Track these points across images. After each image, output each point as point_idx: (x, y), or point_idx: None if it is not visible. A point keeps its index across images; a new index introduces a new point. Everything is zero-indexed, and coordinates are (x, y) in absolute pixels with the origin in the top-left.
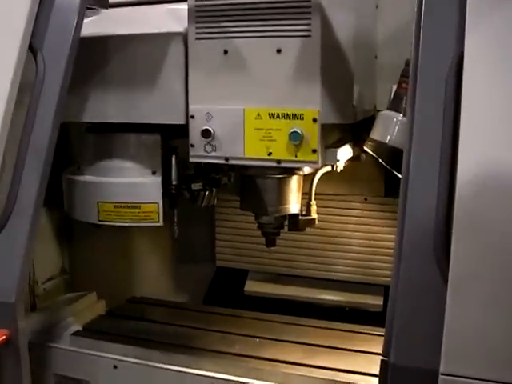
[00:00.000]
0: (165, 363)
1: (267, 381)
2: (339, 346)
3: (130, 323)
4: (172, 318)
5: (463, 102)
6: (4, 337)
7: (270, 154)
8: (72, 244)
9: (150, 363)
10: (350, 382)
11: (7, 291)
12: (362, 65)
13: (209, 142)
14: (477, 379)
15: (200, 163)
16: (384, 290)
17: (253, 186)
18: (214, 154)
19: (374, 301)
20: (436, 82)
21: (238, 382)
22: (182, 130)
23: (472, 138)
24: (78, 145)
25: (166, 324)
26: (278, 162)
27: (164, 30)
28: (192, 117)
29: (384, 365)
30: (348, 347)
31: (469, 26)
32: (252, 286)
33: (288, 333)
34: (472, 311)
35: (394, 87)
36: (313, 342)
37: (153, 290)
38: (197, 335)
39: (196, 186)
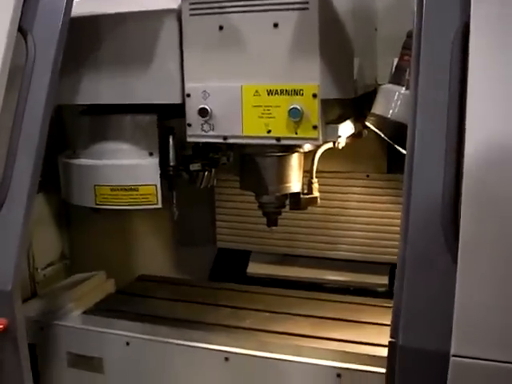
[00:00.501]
0: (177, 339)
1: (280, 354)
2: (348, 318)
3: (141, 301)
4: (182, 294)
5: (470, 72)
6: (1, 326)
7: (269, 131)
8: (71, 229)
9: (163, 339)
10: (361, 352)
11: (4, 279)
12: (362, 38)
13: (206, 121)
14: (490, 360)
15: (198, 143)
16: (389, 268)
17: (252, 164)
18: (211, 133)
19: (379, 280)
20: (440, 52)
21: (251, 355)
22: (178, 110)
23: (479, 109)
24: (73, 128)
25: (176, 301)
26: (278, 139)
27: (157, 6)
28: (188, 95)
29: (392, 346)
30: (357, 319)
31: None
32: (255, 268)
33: (297, 307)
34: (483, 290)
35: (396, 60)
36: (322, 315)
37: (154, 273)
38: (207, 311)
39: (194, 167)
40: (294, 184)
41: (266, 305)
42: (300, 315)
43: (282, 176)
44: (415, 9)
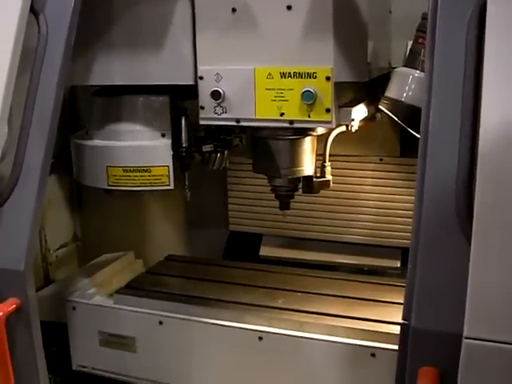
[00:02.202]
0: (211, 318)
1: (314, 333)
2: (374, 298)
3: (171, 280)
4: (212, 274)
5: (486, 53)
6: (14, 306)
7: (282, 114)
8: (83, 210)
9: (197, 319)
10: (395, 332)
11: (16, 259)
12: (376, 20)
13: (219, 104)
14: (503, 343)
15: (211, 125)
16: (401, 252)
17: (265, 147)
18: (224, 115)
19: (391, 263)
20: (456, 33)
21: (285, 335)
22: (191, 91)
23: (495, 91)
24: (86, 109)
25: (207, 281)
26: (291, 122)
27: None
28: (201, 78)
29: (404, 328)
30: (383, 299)
31: None
32: (267, 251)
33: (325, 287)
34: (497, 273)
35: (410, 43)
36: (348, 295)
37: (166, 255)
38: (240, 290)
39: (207, 148)
40: (307, 167)
41: (295, 285)
42: (329, 295)
43: (294, 159)
44: None
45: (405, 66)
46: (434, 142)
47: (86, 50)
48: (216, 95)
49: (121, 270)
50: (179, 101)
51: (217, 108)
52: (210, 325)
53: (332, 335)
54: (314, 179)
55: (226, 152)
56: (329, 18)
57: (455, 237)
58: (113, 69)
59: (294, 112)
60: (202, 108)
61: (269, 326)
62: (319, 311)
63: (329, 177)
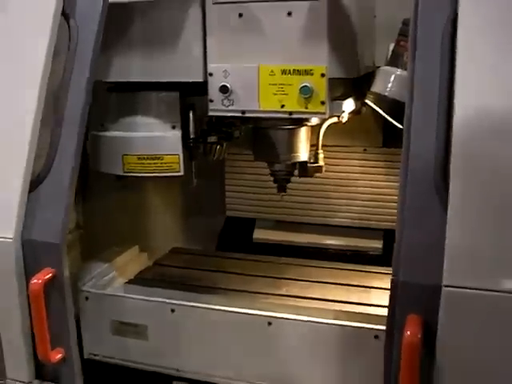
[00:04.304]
0: (224, 306)
1: (320, 317)
2: (373, 285)
3: (179, 271)
4: (218, 265)
5: (458, 56)
6: (51, 274)
7: (282, 106)
8: (86, 199)
9: (210, 306)
10: None
11: (55, 233)
12: (364, 25)
13: (226, 97)
14: (479, 289)
15: (212, 119)
16: (383, 233)
17: (266, 137)
18: (231, 107)
19: (374, 244)
20: (434, 38)
21: (292, 319)
22: (198, 88)
23: (466, 88)
24: (102, 104)
25: (214, 271)
26: (290, 113)
27: None
28: (211, 74)
29: (394, 283)
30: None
31: None
32: (260, 234)
33: (324, 275)
34: (469, 230)
35: (391, 45)
36: (348, 282)
37: (164, 242)
38: (245, 280)
39: (211, 139)
40: (303, 153)
41: (297, 274)
42: (329, 283)
43: (292, 146)
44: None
45: (387, 65)
46: (416, 131)
47: (107, 49)
48: (224, 89)
49: (128, 263)
50: (187, 97)
51: (224, 101)
52: (221, 312)
53: (337, 319)
54: (309, 164)
55: (224, 144)
56: (324, 24)
57: (434, 205)
58: (131, 67)
59: (293, 104)
60: (212, 101)
61: (277, 312)
62: (322, 297)
63: (321, 163)
